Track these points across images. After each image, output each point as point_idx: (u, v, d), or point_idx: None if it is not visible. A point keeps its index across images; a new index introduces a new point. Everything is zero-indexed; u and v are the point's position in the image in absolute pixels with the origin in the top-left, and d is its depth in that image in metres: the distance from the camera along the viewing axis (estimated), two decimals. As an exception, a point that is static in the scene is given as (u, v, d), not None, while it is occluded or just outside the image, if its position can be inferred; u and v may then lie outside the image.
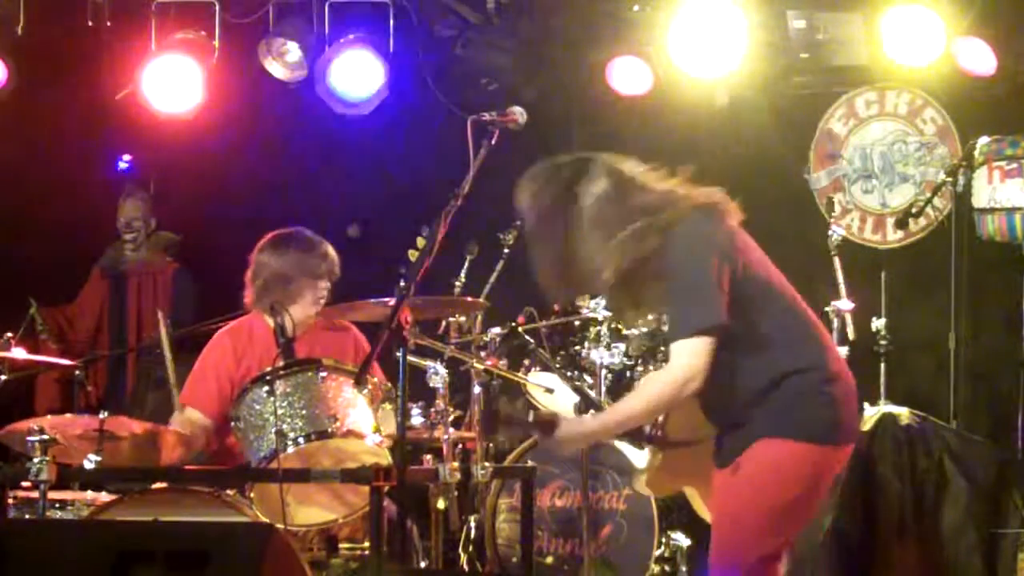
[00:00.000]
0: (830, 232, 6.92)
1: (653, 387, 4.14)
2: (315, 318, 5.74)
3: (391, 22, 7.71)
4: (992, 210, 7.03)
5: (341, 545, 5.31)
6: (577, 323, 6.61)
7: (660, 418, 4.31)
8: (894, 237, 7.97)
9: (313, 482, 4.88)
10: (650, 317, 7.02)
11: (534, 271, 4.16)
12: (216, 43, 7.76)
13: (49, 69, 7.79)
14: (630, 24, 7.71)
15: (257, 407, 4.97)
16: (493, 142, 4.15)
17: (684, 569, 6.76)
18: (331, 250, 5.76)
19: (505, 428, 4.19)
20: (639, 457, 5.62)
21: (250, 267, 5.78)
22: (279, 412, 4.89)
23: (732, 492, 4.14)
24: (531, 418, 4.16)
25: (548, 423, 4.14)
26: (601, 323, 6.49)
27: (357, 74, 7.73)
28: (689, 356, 4.03)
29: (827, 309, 6.82)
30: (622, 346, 6.46)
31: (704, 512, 4.39)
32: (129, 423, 5.32)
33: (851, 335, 6.81)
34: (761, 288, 4.15)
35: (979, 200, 7.05)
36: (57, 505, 5.40)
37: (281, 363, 5.10)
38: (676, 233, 4.08)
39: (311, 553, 5.22)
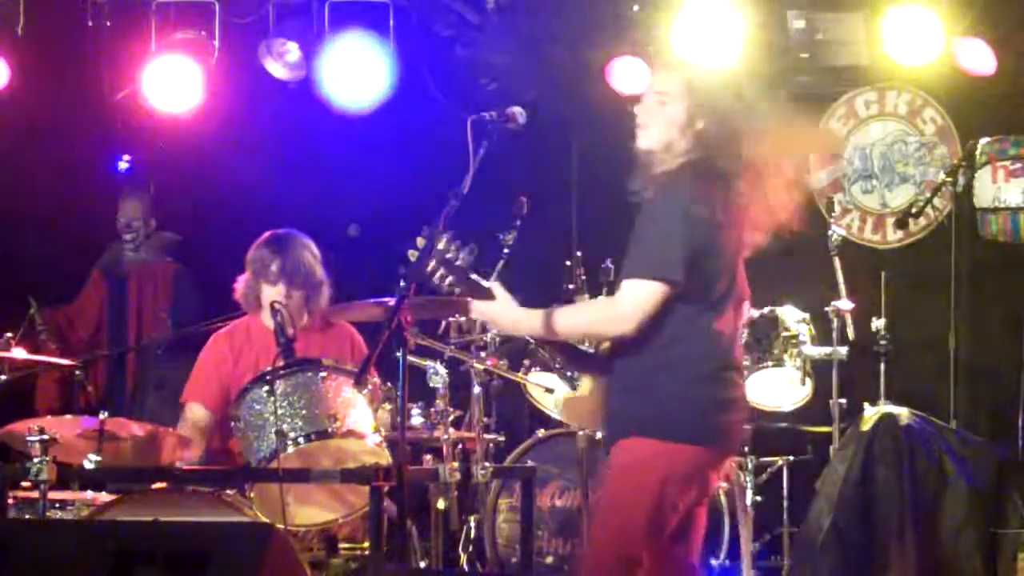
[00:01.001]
0: (830, 232, 6.92)
1: (590, 311, 4.14)
2: (311, 318, 5.75)
3: (391, 22, 7.71)
4: (996, 210, 7.03)
5: (341, 545, 5.31)
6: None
7: (605, 346, 4.26)
8: (894, 237, 7.98)
9: (313, 482, 4.89)
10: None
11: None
12: (216, 43, 7.76)
13: (49, 69, 7.79)
14: (630, 24, 7.71)
15: (257, 407, 4.97)
16: (493, 142, 4.15)
17: (684, 569, 6.76)
18: (297, 255, 5.67)
19: (438, 262, 4.06)
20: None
21: None
22: (279, 412, 4.89)
23: (603, 489, 4.17)
24: (471, 275, 4.11)
25: (479, 287, 4.10)
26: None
27: (357, 74, 7.73)
28: (636, 296, 4.02)
29: (827, 309, 6.82)
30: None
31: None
32: (129, 424, 5.32)
33: (851, 335, 6.81)
34: (705, 274, 4.09)
35: (983, 200, 7.05)
36: (57, 505, 5.40)
37: (281, 363, 5.10)
38: (674, 183, 4.10)
39: (311, 553, 5.22)
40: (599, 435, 4.37)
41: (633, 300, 4.02)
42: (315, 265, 5.71)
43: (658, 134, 4.18)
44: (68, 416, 5.39)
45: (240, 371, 5.63)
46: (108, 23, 7.70)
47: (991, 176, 7.06)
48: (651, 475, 4.03)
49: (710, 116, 4.16)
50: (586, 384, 4.29)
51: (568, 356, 4.31)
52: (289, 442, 4.87)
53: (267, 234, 5.79)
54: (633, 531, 4.04)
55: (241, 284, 5.75)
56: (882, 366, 6.75)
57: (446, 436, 5.60)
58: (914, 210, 7.36)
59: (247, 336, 5.74)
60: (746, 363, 7.14)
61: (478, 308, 4.15)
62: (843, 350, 6.79)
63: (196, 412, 5.66)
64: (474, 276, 4.12)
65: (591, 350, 4.30)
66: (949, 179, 7.12)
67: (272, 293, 5.63)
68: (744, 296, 4.23)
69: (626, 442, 4.08)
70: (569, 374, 4.32)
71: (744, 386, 4.22)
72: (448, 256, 4.09)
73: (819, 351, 6.93)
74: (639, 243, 4.09)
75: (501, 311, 4.13)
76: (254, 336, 5.71)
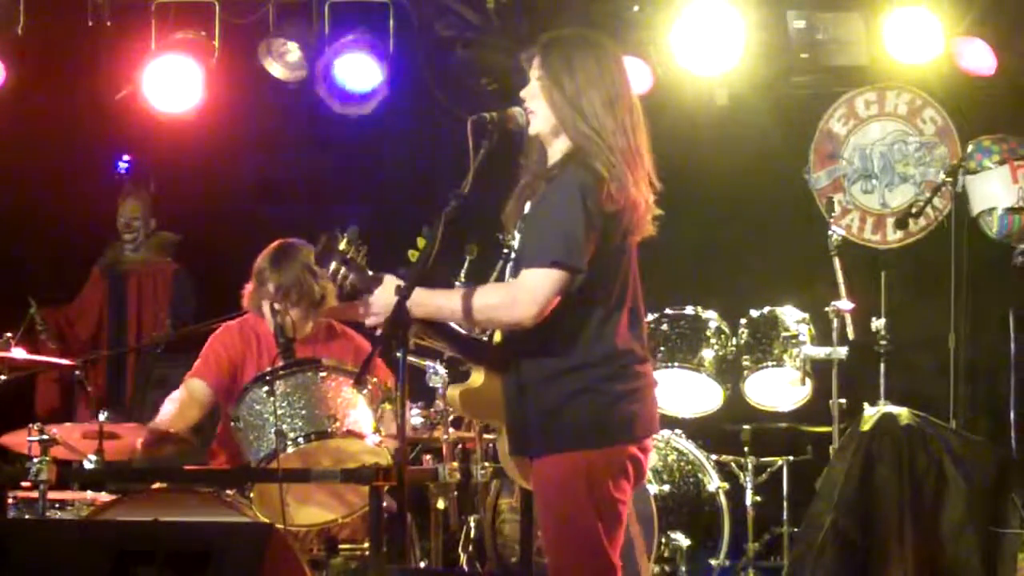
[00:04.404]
0: (830, 232, 6.92)
1: (491, 295, 4.03)
2: (312, 323, 5.73)
3: (391, 22, 7.71)
4: (1020, 210, 7.03)
5: (341, 545, 5.31)
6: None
7: (496, 338, 4.20)
8: (894, 237, 7.98)
9: (313, 482, 4.89)
10: (649, 318, 7.05)
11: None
12: (216, 43, 7.77)
13: (49, 69, 7.79)
14: (630, 24, 7.71)
15: (257, 407, 4.97)
16: (493, 142, 4.15)
17: (684, 569, 6.77)
18: (294, 274, 5.58)
19: (338, 262, 4.08)
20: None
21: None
22: (279, 412, 4.89)
23: (543, 520, 4.12)
24: (367, 271, 4.09)
25: (375, 280, 4.08)
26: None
27: (357, 74, 7.73)
28: (534, 282, 3.95)
29: (827, 309, 6.82)
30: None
31: (505, 454, 4.29)
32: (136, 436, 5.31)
33: (851, 335, 6.81)
34: (603, 267, 4.03)
35: (999, 200, 7.03)
36: (57, 505, 5.41)
37: (281, 363, 5.10)
38: (574, 174, 4.02)
39: (311, 553, 5.23)
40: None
41: (534, 286, 3.95)
42: (313, 284, 5.62)
43: (544, 121, 4.13)
44: (68, 425, 5.38)
45: (247, 360, 5.62)
46: (108, 23, 7.70)
47: (1011, 175, 7.04)
48: (582, 486, 3.99)
49: (592, 94, 4.08)
50: (479, 375, 4.23)
51: (460, 346, 4.27)
52: (289, 442, 4.87)
53: (273, 245, 5.71)
54: (594, 541, 4.00)
55: (247, 291, 5.73)
56: (882, 366, 6.75)
57: (446, 436, 5.61)
58: (914, 210, 7.37)
59: (255, 333, 5.72)
60: (746, 363, 7.16)
61: (383, 300, 4.06)
62: (843, 350, 6.79)
63: (197, 387, 5.63)
64: (371, 273, 4.13)
65: (483, 338, 4.24)
66: (949, 179, 7.12)
67: (267, 304, 5.62)
68: (639, 293, 4.16)
69: (545, 461, 4.04)
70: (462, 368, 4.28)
71: (650, 374, 4.14)
72: (348, 256, 4.10)
73: (819, 351, 6.93)
74: (537, 232, 4.04)
75: (389, 297, 4.02)
76: (262, 336, 5.70)
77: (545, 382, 4.04)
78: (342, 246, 4.11)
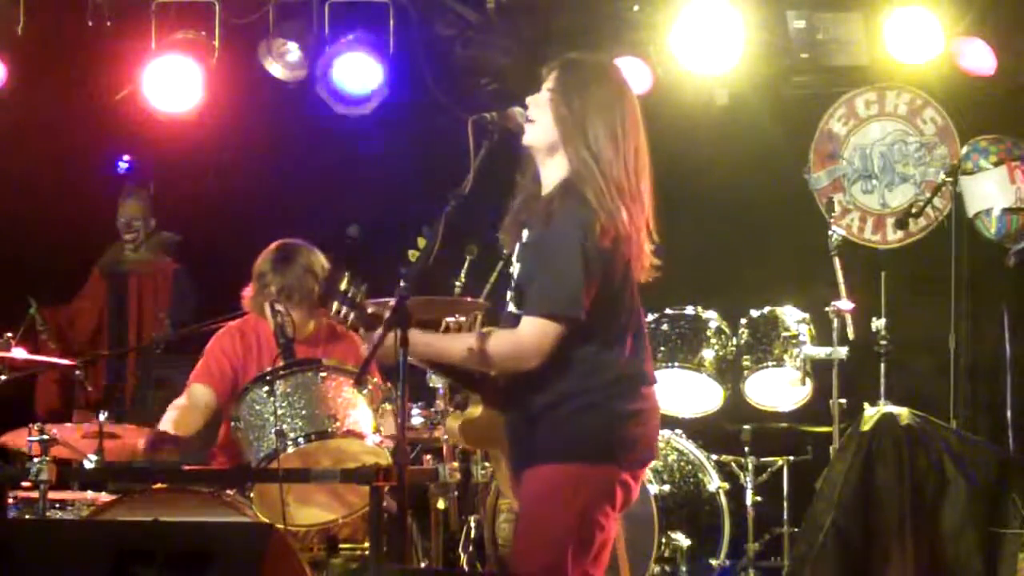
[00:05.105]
0: (830, 232, 6.92)
1: (493, 343, 4.02)
2: (314, 324, 5.72)
3: (391, 22, 7.72)
4: (1020, 210, 7.03)
5: (341, 545, 5.31)
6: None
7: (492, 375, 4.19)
8: (894, 237, 7.98)
9: (313, 482, 4.89)
10: (649, 318, 7.05)
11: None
12: (216, 43, 7.77)
13: (49, 69, 7.79)
14: (630, 24, 7.72)
15: (257, 407, 4.97)
16: (493, 142, 4.14)
17: (684, 569, 6.77)
18: (295, 275, 5.58)
19: (340, 302, 4.07)
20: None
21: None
22: (279, 412, 4.89)
23: (521, 520, 4.13)
24: (367, 307, 4.08)
25: (376, 318, 4.07)
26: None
27: (357, 74, 7.74)
28: (539, 335, 3.96)
29: (827, 309, 6.82)
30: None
31: (505, 481, 4.29)
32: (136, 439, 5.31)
33: (851, 335, 6.82)
34: (604, 307, 4.03)
35: (1002, 200, 7.03)
36: (57, 505, 5.41)
37: (281, 363, 5.10)
38: (575, 212, 3.98)
39: (311, 553, 5.22)
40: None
41: (534, 339, 3.97)
42: (314, 284, 5.61)
43: (543, 132, 4.11)
44: (68, 425, 5.38)
45: (248, 364, 5.62)
46: (108, 23, 7.70)
47: (1008, 176, 7.05)
48: (568, 499, 3.98)
49: (597, 120, 4.06)
50: (476, 407, 4.24)
51: (460, 378, 4.27)
52: (289, 442, 4.87)
53: (274, 246, 5.71)
54: (560, 557, 3.98)
55: (247, 294, 5.72)
56: (882, 366, 6.75)
57: (446, 436, 5.61)
58: (914, 210, 7.37)
59: (256, 334, 5.71)
60: (746, 363, 7.17)
61: (375, 337, 4.04)
62: (843, 350, 6.80)
63: (199, 392, 5.63)
64: (371, 311, 4.12)
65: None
66: (949, 179, 7.12)
67: (268, 305, 5.61)
68: (642, 317, 4.17)
69: (538, 470, 4.03)
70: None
71: (654, 397, 4.14)
72: (349, 295, 4.10)
73: (819, 351, 6.93)
74: (538, 278, 4.03)
75: (411, 336, 4.04)
76: (262, 336, 5.69)
77: (550, 406, 4.03)
78: (343, 286, 4.11)
